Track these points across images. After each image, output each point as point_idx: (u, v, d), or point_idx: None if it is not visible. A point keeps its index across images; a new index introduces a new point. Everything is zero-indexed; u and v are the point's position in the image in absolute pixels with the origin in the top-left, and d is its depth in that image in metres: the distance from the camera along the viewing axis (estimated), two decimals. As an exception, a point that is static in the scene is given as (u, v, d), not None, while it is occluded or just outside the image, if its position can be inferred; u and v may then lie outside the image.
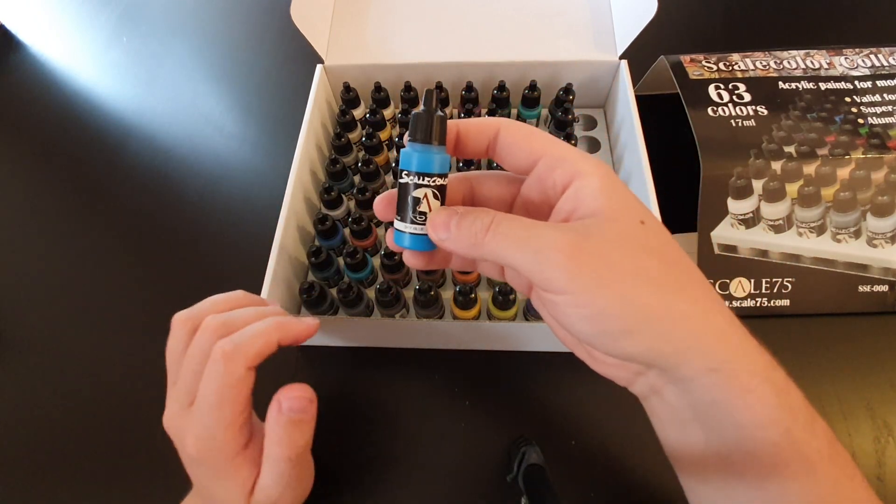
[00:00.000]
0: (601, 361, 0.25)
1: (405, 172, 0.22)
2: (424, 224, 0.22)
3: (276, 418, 0.26)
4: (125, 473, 0.38)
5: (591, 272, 0.19)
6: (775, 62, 0.46)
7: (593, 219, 0.20)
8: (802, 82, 0.44)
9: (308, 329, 0.28)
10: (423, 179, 0.22)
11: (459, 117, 0.49)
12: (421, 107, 0.23)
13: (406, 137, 0.23)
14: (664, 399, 0.23)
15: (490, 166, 0.50)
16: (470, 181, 0.25)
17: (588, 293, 0.19)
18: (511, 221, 0.21)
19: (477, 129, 0.23)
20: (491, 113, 0.48)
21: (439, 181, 0.22)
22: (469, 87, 0.48)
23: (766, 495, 0.21)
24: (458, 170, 0.48)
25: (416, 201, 0.22)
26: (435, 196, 0.22)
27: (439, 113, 0.22)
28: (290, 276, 0.41)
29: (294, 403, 0.26)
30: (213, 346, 0.25)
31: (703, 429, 0.22)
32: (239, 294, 0.30)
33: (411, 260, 0.24)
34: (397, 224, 0.23)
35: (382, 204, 0.24)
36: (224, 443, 0.26)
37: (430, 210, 0.22)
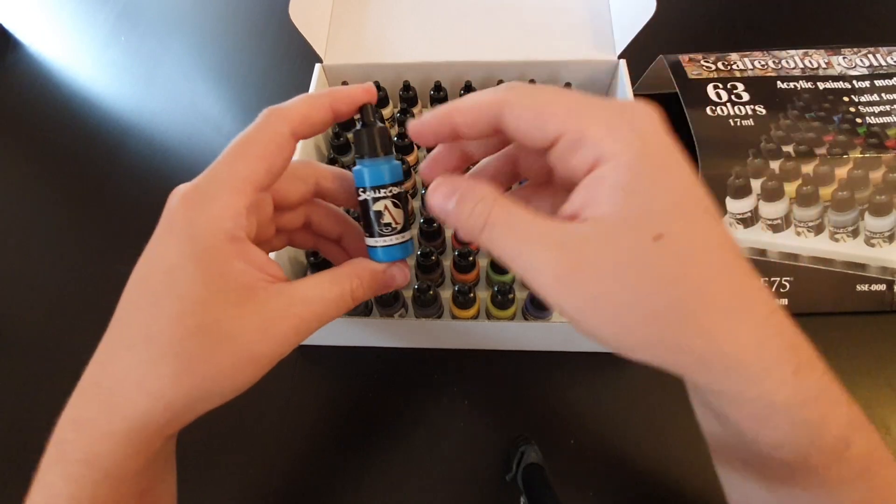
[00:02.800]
0: None
1: (361, 190, 0.23)
2: (392, 235, 0.23)
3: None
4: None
5: (578, 301, 0.17)
6: (774, 62, 0.46)
7: (596, 227, 0.17)
8: (801, 82, 0.44)
9: (364, 88, 0.23)
10: (379, 192, 0.22)
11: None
12: (359, 124, 0.23)
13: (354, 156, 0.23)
14: (686, 381, 0.21)
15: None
16: (460, 146, 0.23)
17: (576, 314, 0.18)
18: (503, 226, 0.18)
19: (474, 119, 0.19)
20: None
21: (395, 189, 0.23)
22: (468, 87, 0.48)
23: (779, 491, 0.20)
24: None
25: (379, 214, 0.23)
26: (395, 205, 0.23)
27: (378, 125, 0.23)
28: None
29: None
30: None
31: (717, 419, 0.21)
32: None
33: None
34: (368, 241, 0.23)
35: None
36: (221, 207, 0.19)
37: (395, 219, 0.23)
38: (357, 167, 0.23)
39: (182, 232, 0.19)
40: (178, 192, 0.20)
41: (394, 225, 0.23)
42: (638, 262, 0.17)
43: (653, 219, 0.17)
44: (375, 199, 0.22)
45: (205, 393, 0.19)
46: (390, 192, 0.23)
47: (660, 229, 0.17)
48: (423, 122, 0.21)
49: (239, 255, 0.20)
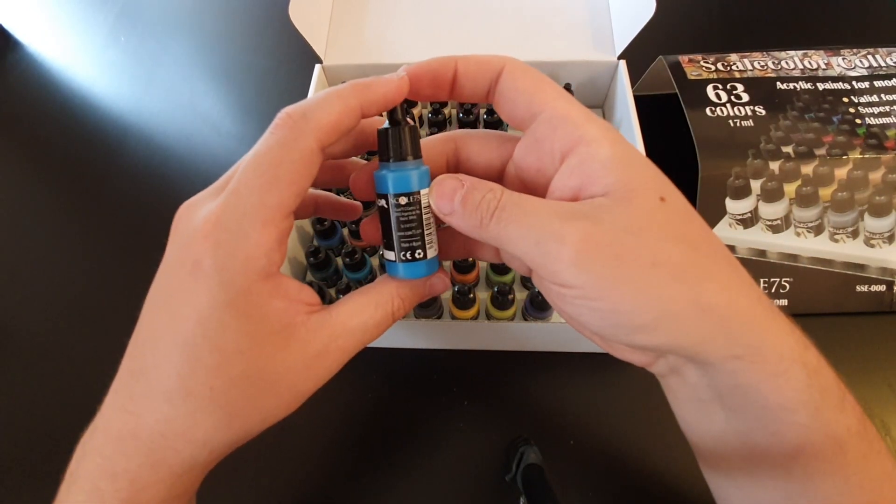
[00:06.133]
0: (615, 346, 0.22)
1: (383, 197, 0.20)
2: (419, 248, 0.21)
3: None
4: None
5: (603, 267, 0.17)
6: (773, 62, 0.46)
7: (606, 199, 0.18)
8: (800, 82, 0.44)
9: (398, 84, 0.20)
10: (405, 199, 0.20)
11: (458, 117, 0.49)
12: (385, 122, 0.21)
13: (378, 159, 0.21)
14: (684, 379, 0.21)
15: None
16: (455, 141, 0.23)
17: (599, 289, 0.17)
18: (515, 207, 0.18)
19: (477, 67, 0.20)
20: (489, 112, 0.48)
21: (423, 199, 0.20)
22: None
23: (789, 477, 0.20)
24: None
25: (402, 225, 0.20)
26: (425, 214, 0.21)
27: (409, 124, 0.20)
28: (288, 276, 0.41)
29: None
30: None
31: (723, 409, 0.21)
32: None
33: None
34: (388, 255, 0.21)
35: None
36: (253, 245, 0.18)
37: (424, 230, 0.21)
38: (380, 171, 0.20)
39: (212, 277, 0.17)
40: (195, 227, 0.18)
41: (422, 237, 0.21)
42: (654, 221, 0.18)
43: (653, 185, 0.18)
44: (399, 209, 0.20)
45: (248, 433, 0.19)
46: (418, 200, 0.20)
47: (662, 194, 0.18)
48: (423, 64, 0.20)
49: (274, 292, 0.18)
